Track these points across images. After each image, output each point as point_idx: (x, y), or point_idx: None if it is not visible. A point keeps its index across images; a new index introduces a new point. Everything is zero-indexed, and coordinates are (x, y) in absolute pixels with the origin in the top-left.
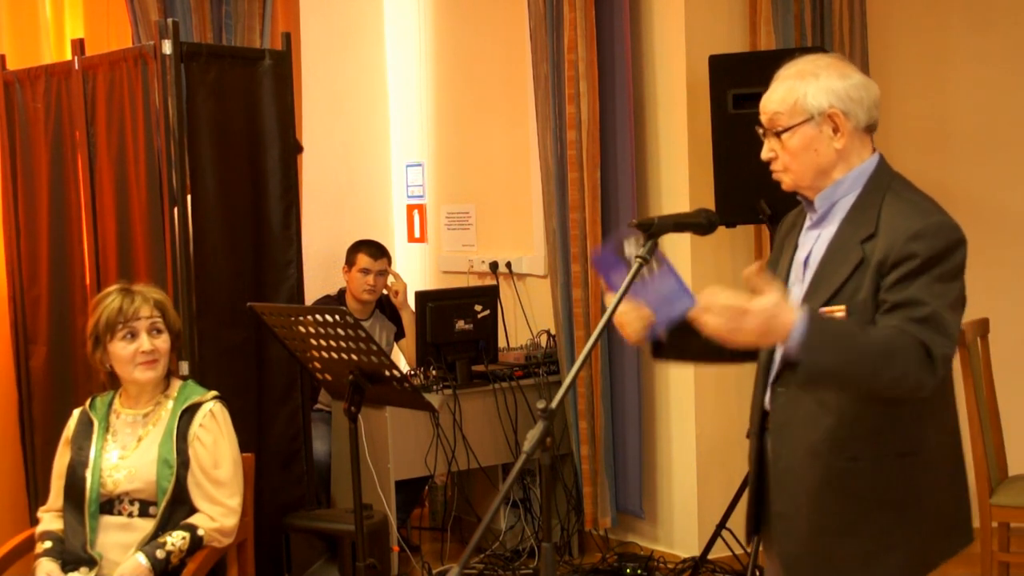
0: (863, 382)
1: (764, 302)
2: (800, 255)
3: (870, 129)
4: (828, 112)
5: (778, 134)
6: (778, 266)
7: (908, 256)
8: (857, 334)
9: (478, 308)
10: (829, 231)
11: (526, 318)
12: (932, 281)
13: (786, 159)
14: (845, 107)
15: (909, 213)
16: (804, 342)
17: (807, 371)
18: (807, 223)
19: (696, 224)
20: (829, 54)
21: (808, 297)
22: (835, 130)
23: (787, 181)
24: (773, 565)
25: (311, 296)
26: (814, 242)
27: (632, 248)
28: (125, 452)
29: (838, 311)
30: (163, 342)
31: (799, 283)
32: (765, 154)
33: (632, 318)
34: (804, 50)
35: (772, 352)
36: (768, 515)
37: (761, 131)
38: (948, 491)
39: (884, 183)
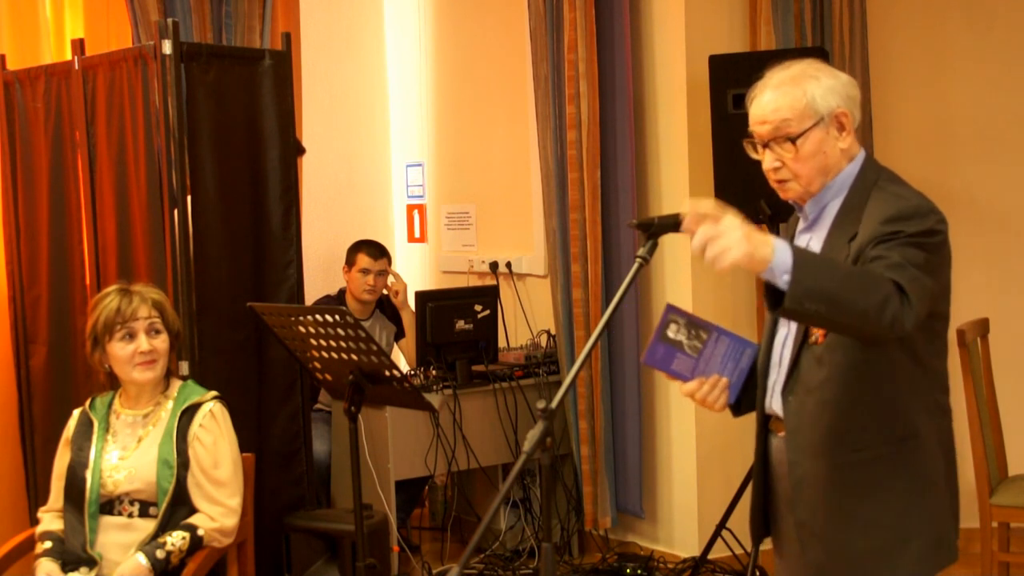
0: (850, 305)
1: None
2: None
3: (857, 128)
4: (836, 112)
5: (792, 140)
6: None
7: (883, 234)
8: (838, 260)
9: (478, 308)
10: (820, 234)
11: (526, 318)
12: (906, 246)
13: (796, 167)
14: (848, 106)
15: (887, 202)
16: (794, 263)
17: (800, 292)
18: (800, 226)
19: None
20: (806, 59)
21: None
22: (840, 129)
23: (796, 189)
24: (791, 571)
25: (311, 296)
26: (806, 245)
27: (674, 332)
28: (125, 452)
29: None
30: (162, 342)
31: None
32: (771, 163)
33: (715, 394)
34: (803, 51)
35: (769, 357)
36: (779, 523)
37: (755, 143)
38: (948, 476)
39: (870, 181)
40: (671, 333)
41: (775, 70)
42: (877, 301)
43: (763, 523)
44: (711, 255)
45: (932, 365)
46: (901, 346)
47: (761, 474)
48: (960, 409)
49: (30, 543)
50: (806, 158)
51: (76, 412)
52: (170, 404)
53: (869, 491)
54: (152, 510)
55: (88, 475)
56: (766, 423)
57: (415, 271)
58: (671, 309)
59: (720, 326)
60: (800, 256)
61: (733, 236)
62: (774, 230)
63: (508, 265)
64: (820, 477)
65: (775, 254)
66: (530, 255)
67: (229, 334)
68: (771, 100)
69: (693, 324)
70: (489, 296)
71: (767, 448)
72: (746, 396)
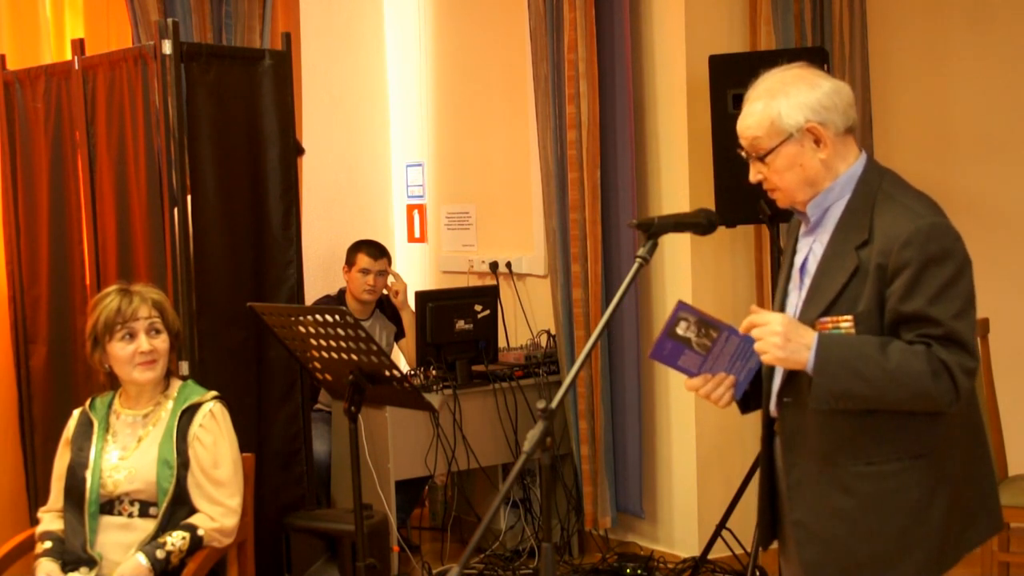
0: (879, 403)
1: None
2: (797, 261)
3: (850, 131)
4: (806, 127)
5: (761, 158)
6: (782, 271)
7: (903, 264)
8: (871, 357)
9: (478, 308)
10: (824, 238)
11: (526, 318)
12: (936, 292)
13: (774, 179)
14: (821, 118)
15: (901, 217)
16: (816, 366)
17: (822, 393)
18: (803, 229)
19: (696, 224)
20: (795, 64)
21: (806, 305)
22: (817, 142)
23: (781, 199)
24: (792, 570)
25: (311, 296)
26: (809, 249)
27: (683, 329)
28: (125, 452)
29: (844, 321)
30: (162, 342)
31: (797, 290)
32: (753, 177)
33: (720, 392)
34: (803, 51)
35: None
36: (783, 523)
37: (744, 154)
38: (965, 485)
39: (874, 185)
40: (680, 330)
41: (762, 78)
42: (910, 396)
43: (771, 526)
44: (757, 347)
45: None
46: None
47: (767, 477)
48: None
49: (30, 543)
50: (781, 172)
51: (76, 412)
52: (170, 404)
53: (878, 501)
54: (152, 510)
55: (88, 475)
56: (771, 426)
57: (415, 271)
58: (682, 307)
59: (732, 326)
60: (821, 359)
61: (771, 341)
62: (774, 230)
63: (508, 265)
64: (827, 483)
65: (811, 351)
66: (530, 255)
67: (229, 334)
68: (744, 116)
69: (703, 322)
70: (489, 296)
71: (772, 451)
72: (755, 395)
